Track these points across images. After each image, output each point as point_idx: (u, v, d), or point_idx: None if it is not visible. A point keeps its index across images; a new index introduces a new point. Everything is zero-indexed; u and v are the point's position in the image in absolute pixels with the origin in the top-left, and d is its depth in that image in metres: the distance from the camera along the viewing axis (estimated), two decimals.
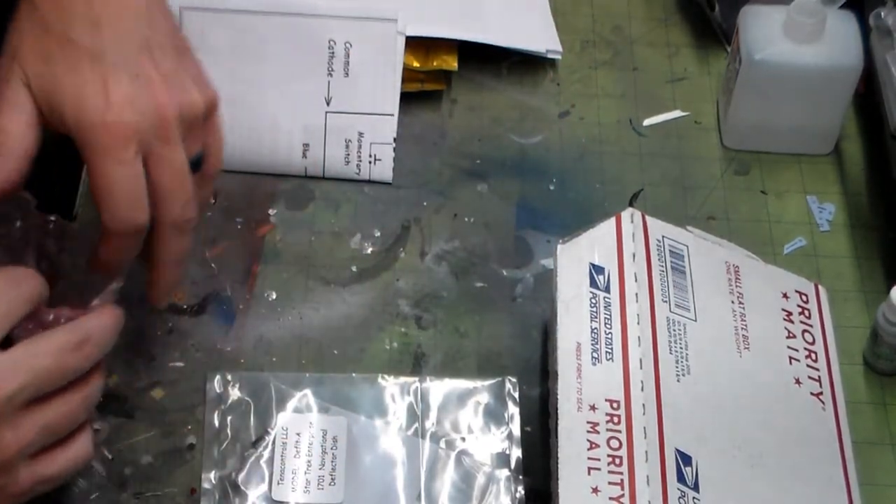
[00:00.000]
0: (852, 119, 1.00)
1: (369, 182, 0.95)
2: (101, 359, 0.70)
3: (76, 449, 0.69)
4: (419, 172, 0.96)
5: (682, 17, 1.07)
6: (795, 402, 0.76)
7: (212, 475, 0.79)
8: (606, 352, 0.75)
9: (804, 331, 0.79)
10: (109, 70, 0.68)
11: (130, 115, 0.68)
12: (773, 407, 0.75)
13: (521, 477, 0.79)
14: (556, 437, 0.73)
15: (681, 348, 0.75)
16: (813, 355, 0.78)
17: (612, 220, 0.80)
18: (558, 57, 1.02)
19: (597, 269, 0.78)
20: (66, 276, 0.74)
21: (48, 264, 0.74)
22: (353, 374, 0.84)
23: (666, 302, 0.77)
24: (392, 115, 0.95)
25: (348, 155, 0.95)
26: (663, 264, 0.79)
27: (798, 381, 0.77)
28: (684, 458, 0.71)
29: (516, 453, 0.80)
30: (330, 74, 0.94)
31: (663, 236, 0.80)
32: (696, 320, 0.77)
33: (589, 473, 0.70)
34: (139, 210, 0.70)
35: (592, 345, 0.75)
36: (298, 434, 0.80)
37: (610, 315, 0.76)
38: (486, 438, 0.80)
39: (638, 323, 0.75)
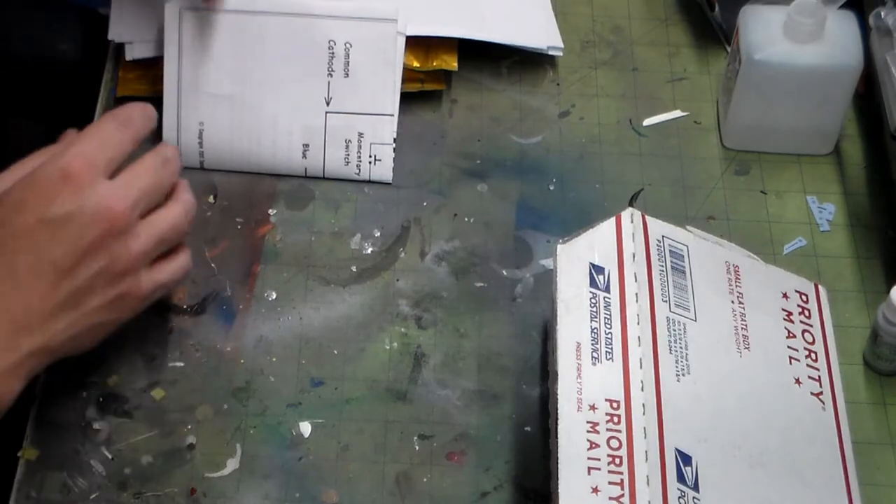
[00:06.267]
0: (852, 119, 1.00)
1: (369, 182, 0.95)
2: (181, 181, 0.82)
3: (181, 259, 0.81)
4: (419, 172, 0.96)
5: (682, 17, 1.07)
6: (795, 402, 0.76)
7: None
8: (606, 352, 0.75)
9: (804, 331, 0.79)
10: None
11: None
12: (773, 407, 0.75)
13: None
14: (556, 437, 0.73)
15: (681, 348, 0.75)
16: (813, 355, 0.78)
17: (612, 220, 0.80)
18: (560, 53, 1.02)
19: (597, 269, 0.78)
20: None
21: None
22: None
23: (666, 302, 0.77)
24: (392, 115, 0.95)
25: (348, 155, 0.95)
26: (663, 264, 0.79)
27: (798, 381, 0.77)
28: (684, 458, 0.71)
29: None
30: (330, 74, 0.95)
31: (663, 236, 0.80)
32: (696, 320, 0.77)
33: (589, 473, 0.70)
34: None
35: (592, 345, 0.75)
36: None
37: (610, 315, 0.76)
38: None
39: (638, 323, 0.75)
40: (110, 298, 0.75)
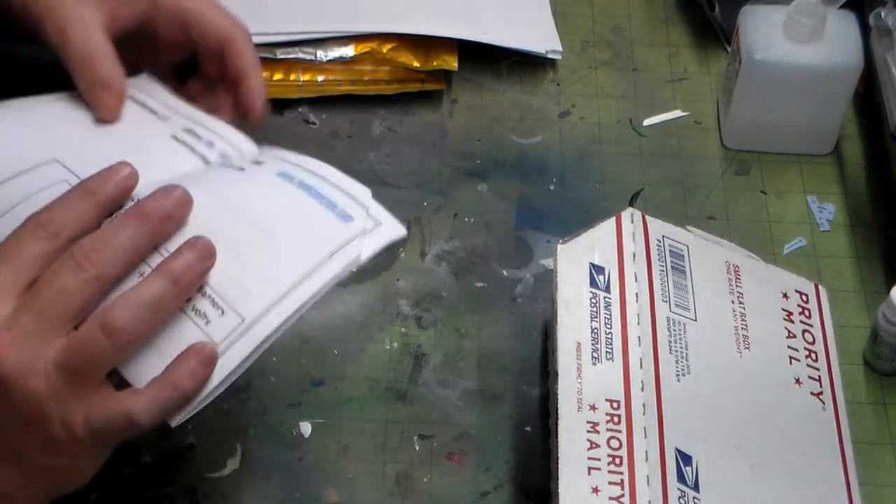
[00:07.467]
0: (852, 119, 1.00)
1: (370, 182, 0.95)
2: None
3: (158, 388, 0.60)
4: (419, 172, 0.96)
5: (682, 17, 1.07)
6: (795, 402, 0.76)
7: None
8: (606, 352, 0.75)
9: (804, 331, 0.79)
10: None
11: None
12: (773, 407, 0.75)
13: None
14: (556, 437, 0.73)
15: (681, 348, 0.75)
16: (813, 355, 0.78)
17: (612, 220, 0.80)
18: (558, 57, 1.02)
19: (597, 269, 0.78)
20: None
21: None
22: None
23: (666, 302, 0.77)
24: None
25: None
26: (663, 264, 0.79)
27: (798, 381, 0.77)
28: (684, 458, 0.71)
29: None
30: None
31: (663, 236, 0.80)
32: (696, 320, 0.77)
33: (589, 473, 0.70)
34: None
35: (592, 345, 0.75)
36: None
37: (610, 315, 0.76)
38: None
39: (638, 323, 0.75)
40: (34, 439, 0.60)
